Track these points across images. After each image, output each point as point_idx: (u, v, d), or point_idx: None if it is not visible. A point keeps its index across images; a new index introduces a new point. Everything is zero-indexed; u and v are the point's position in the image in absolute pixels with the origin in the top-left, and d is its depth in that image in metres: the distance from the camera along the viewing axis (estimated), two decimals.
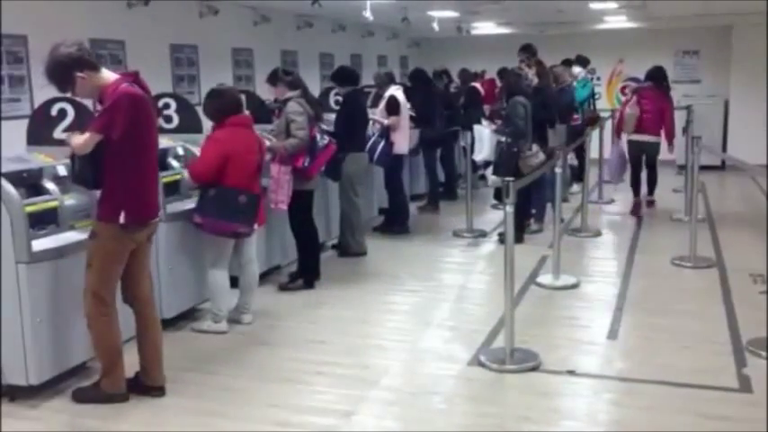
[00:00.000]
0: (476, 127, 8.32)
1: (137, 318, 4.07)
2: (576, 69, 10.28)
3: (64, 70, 3.68)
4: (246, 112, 5.27)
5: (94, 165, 3.75)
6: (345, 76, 7.04)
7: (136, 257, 3.96)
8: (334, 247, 7.22)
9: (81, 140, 3.70)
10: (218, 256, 4.99)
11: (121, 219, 3.76)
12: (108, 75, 3.81)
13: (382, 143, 7.52)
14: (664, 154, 9.94)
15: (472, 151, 8.18)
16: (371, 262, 6.98)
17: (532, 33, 12.04)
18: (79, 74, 3.69)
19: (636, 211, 8.74)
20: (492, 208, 9.07)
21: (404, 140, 7.95)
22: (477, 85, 10.60)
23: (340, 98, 7.33)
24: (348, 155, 6.64)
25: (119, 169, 3.75)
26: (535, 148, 7.21)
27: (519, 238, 6.96)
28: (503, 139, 7.25)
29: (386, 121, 7.70)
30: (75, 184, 4.10)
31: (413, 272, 6.65)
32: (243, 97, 6.62)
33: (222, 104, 4.96)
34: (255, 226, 5.04)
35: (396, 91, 7.93)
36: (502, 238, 6.91)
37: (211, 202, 4.83)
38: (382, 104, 7.86)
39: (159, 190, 4.21)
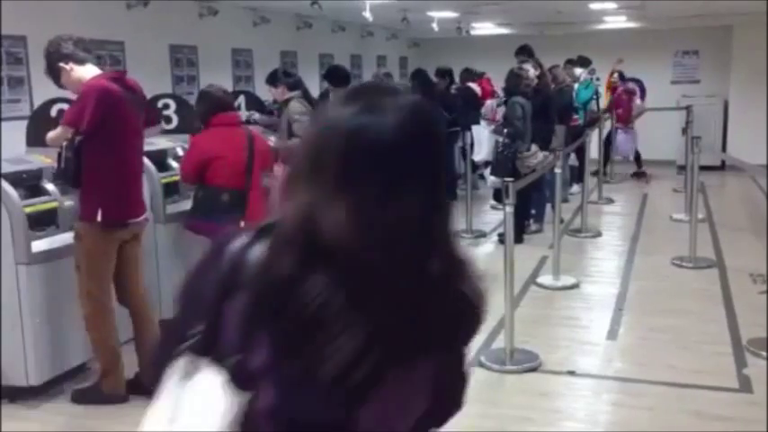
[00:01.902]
0: (474, 127, 8.32)
1: (133, 318, 4.06)
2: (578, 71, 10.28)
3: (50, 60, 3.80)
4: (240, 113, 5.24)
5: (78, 163, 3.74)
6: (339, 76, 7.08)
7: (124, 257, 3.93)
8: None
9: (52, 134, 3.74)
10: None
11: (98, 217, 3.74)
12: (91, 70, 3.82)
13: None
14: (664, 154, 10.87)
15: (471, 151, 8.19)
16: None
17: (532, 34, 12.05)
18: (63, 65, 3.75)
19: (641, 175, 11.37)
20: (491, 209, 9.07)
21: None
22: (474, 85, 10.57)
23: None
24: None
25: (94, 166, 3.73)
26: (534, 148, 7.20)
27: (518, 239, 6.97)
28: (500, 139, 7.25)
29: None
30: (59, 181, 4.09)
31: None
32: (241, 98, 6.70)
33: (205, 106, 4.96)
34: (242, 224, 4.98)
35: None
36: (501, 239, 6.96)
37: (197, 204, 4.82)
38: None
39: (144, 189, 4.22)
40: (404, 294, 1.06)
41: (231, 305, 1.08)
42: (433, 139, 1.13)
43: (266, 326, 1.06)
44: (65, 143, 3.75)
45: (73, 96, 3.88)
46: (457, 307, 1.15)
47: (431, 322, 1.10)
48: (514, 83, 7.40)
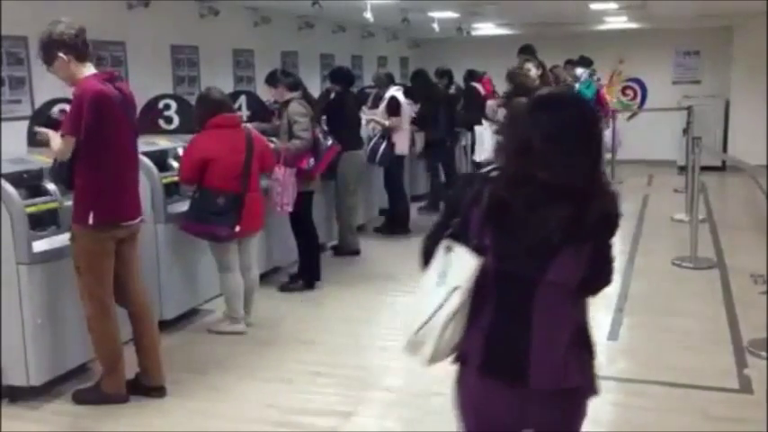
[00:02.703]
0: (476, 128, 8.31)
1: (132, 319, 4.05)
2: (579, 70, 10.28)
3: (50, 45, 3.72)
4: (240, 114, 5.26)
5: (72, 165, 3.73)
6: (343, 77, 7.23)
7: (120, 258, 3.92)
8: (333, 248, 7.22)
9: (58, 147, 3.69)
10: (222, 259, 4.97)
11: (90, 220, 3.73)
12: (88, 69, 3.78)
13: (384, 144, 7.53)
14: (664, 154, 10.87)
15: (473, 151, 8.19)
16: (372, 263, 6.98)
17: (532, 34, 12.05)
18: (62, 55, 3.70)
19: None
20: None
21: (405, 141, 7.96)
22: (477, 85, 10.56)
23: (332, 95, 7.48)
24: (343, 153, 6.66)
25: (86, 169, 3.72)
26: None
27: None
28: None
29: (387, 123, 7.70)
30: (53, 182, 4.08)
31: (413, 272, 6.57)
32: (242, 98, 6.70)
33: (201, 110, 4.97)
34: (237, 228, 4.88)
35: (396, 92, 7.93)
36: None
37: (192, 206, 4.83)
38: (383, 106, 7.85)
39: (146, 190, 4.19)
40: (576, 200, 1.98)
41: (475, 211, 2.04)
42: (587, 121, 2.06)
43: (492, 222, 2.03)
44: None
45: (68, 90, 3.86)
46: (605, 212, 2.05)
47: (590, 220, 2.00)
48: (518, 82, 7.39)
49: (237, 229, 4.83)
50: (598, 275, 2.19)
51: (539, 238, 1.99)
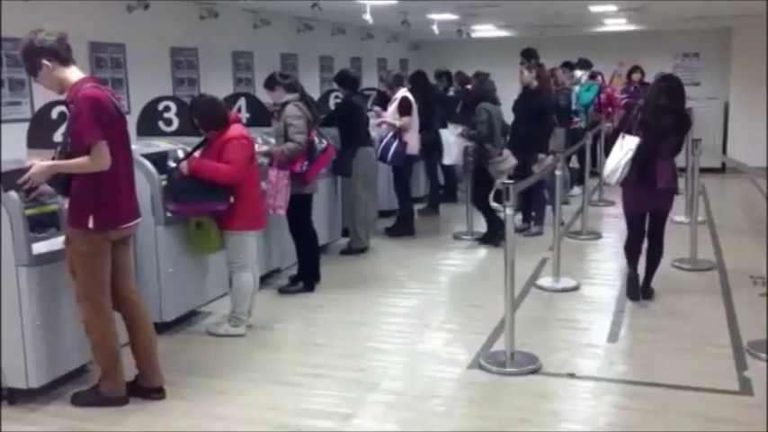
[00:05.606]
0: (442, 131, 8.26)
1: (126, 321, 4.05)
2: (578, 73, 10.27)
3: (32, 54, 3.71)
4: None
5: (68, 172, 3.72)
6: (348, 79, 7.33)
7: (113, 261, 3.90)
8: (343, 252, 7.23)
9: (88, 162, 3.64)
10: (241, 257, 4.96)
11: (90, 223, 3.72)
12: (76, 73, 3.77)
13: (395, 144, 7.54)
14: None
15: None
16: (371, 264, 6.98)
17: (532, 36, 12.06)
18: (45, 62, 3.69)
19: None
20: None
21: (416, 141, 7.97)
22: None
23: (340, 98, 7.56)
24: (358, 150, 6.90)
25: (85, 174, 3.70)
26: (506, 152, 7.29)
27: (495, 242, 7.26)
28: (469, 143, 7.38)
29: (398, 123, 7.69)
30: (49, 186, 4.06)
31: (413, 274, 6.65)
32: (242, 100, 6.75)
33: (221, 108, 4.95)
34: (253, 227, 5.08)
35: (407, 92, 7.93)
36: (484, 240, 7.56)
37: (181, 186, 4.75)
38: (394, 105, 7.84)
39: (147, 191, 4.20)
40: (676, 116, 5.41)
41: (634, 123, 5.45)
42: (680, 85, 5.48)
43: (642, 127, 5.39)
44: (58, 149, 3.78)
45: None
46: (686, 121, 5.71)
47: (681, 122, 5.52)
48: (483, 88, 7.65)
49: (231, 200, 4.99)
50: (680, 147, 5.53)
51: (662, 131, 5.22)
